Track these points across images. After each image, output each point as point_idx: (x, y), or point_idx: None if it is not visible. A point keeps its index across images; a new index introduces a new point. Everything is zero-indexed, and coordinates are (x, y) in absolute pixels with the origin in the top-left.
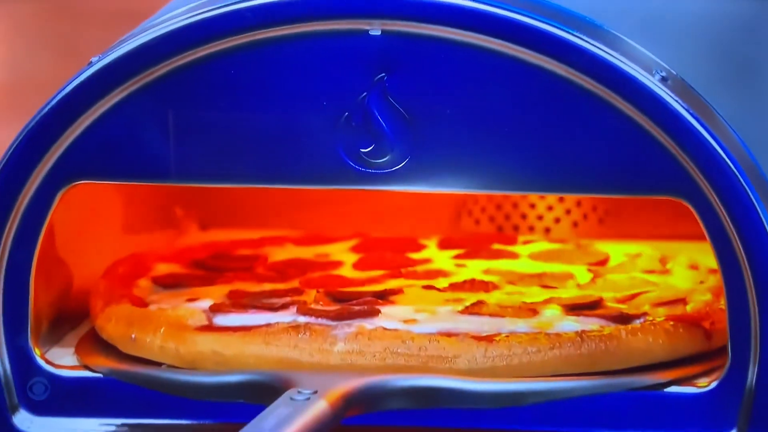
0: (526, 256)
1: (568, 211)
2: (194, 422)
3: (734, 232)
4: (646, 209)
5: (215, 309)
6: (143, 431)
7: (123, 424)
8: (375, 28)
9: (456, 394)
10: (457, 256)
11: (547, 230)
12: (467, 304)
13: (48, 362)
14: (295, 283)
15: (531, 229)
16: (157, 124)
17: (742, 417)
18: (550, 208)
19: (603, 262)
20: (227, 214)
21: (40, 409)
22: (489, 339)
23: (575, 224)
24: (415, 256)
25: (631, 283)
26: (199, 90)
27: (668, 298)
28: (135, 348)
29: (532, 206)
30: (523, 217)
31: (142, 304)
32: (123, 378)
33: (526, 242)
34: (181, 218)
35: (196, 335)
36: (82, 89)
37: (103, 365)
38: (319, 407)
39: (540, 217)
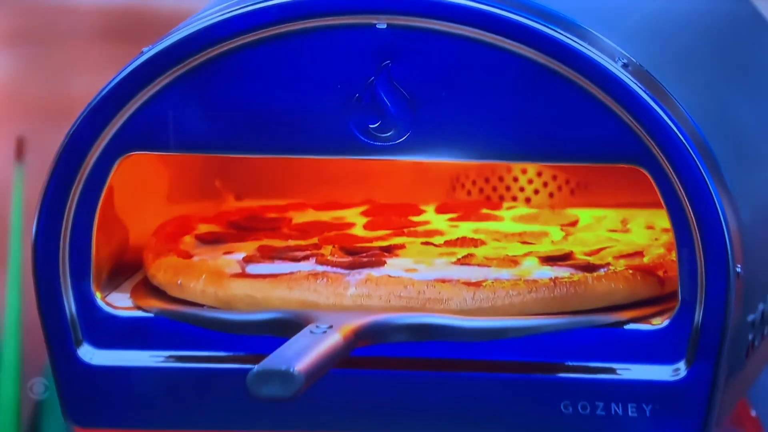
0: (509, 218)
1: (545, 184)
2: (229, 354)
3: (684, 196)
4: (611, 182)
5: (247, 260)
6: (186, 361)
7: (170, 356)
8: (381, 22)
9: (448, 329)
10: (451, 219)
11: (528, 200)
12: (459, 256)
13: (108, 304)
14: (314, 240)
15: (514, 198)
16: (198, 104)
17: (689, 350)
18: (530, 181)
19: (573, 223)
20: (258, 187)
21: (101, 343)
22: (477, 284)
23: (551, 195)
24: (416, 219)
25: (597, 240)
26: (234, 75)
27: (628, 251)
28: (180, 292)
29: (515, 179)
30: (507, 188)
31: (187, 256)
32: (170, 317)
33: (509, 208)
34: (220, 190)
35: (231, 281)
36: (134, 74)
37: (153, 306)
38: (334, 339)
39: (522, 189)
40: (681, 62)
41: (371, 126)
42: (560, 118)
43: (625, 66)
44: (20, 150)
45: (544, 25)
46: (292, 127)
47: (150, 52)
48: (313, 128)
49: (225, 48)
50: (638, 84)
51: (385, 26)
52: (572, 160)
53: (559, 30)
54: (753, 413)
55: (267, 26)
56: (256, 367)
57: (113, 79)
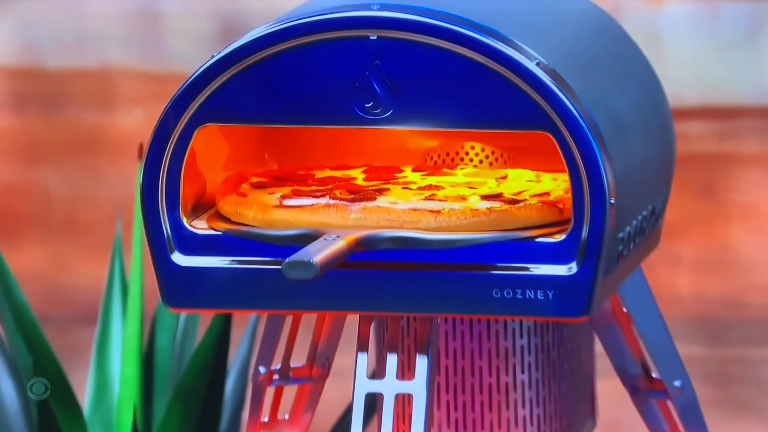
0: (461, 174)
1: (487, 156)
2: (271, 258)
3: (577, 153)
4: (529, 155)
5: (284, 197)
6: (243, 263)
7: (232, 260)
8: (373, 35)
9: (418, 241)
10: (422, 175)
11: (475, 166)
12: (426, 195)
13: (191, 226)
14: (329, 186)
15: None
16: (252, 90)
17: (579, 255)
18: (477, 154)
19: (504, 177)
20: (292, 156)
21: (186, 251)
22: (437, 212)
23: (491, 163)
24: (398, 174)
25: (519, 186)
26: (276, 70)
27: (539, 192)
28: (239, 218)
29: (467, 153)
30: (462, 159)
31: (243, 195)
32: (232, 234)
33: (461, 168)
34: (267, 160)
35: (273, 210)
36: (208, 70)
37: (221, 228)
38: (340, 244)
39: (471, 159)
40: (576, 63)
41: (366, 105)
42: (493, 100)
43: (538, 65)
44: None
45: (484, 37)
46: (315, 106)
47: (218, 55)
48: (329, 106)
49: (270, 52)
50: (548, 77)
51: (375, 38)
52: (503, 128)
53: (494, 40)
54: (624, 309)
55: (298, 36)
56: (288, 259)
57: (194, 72)
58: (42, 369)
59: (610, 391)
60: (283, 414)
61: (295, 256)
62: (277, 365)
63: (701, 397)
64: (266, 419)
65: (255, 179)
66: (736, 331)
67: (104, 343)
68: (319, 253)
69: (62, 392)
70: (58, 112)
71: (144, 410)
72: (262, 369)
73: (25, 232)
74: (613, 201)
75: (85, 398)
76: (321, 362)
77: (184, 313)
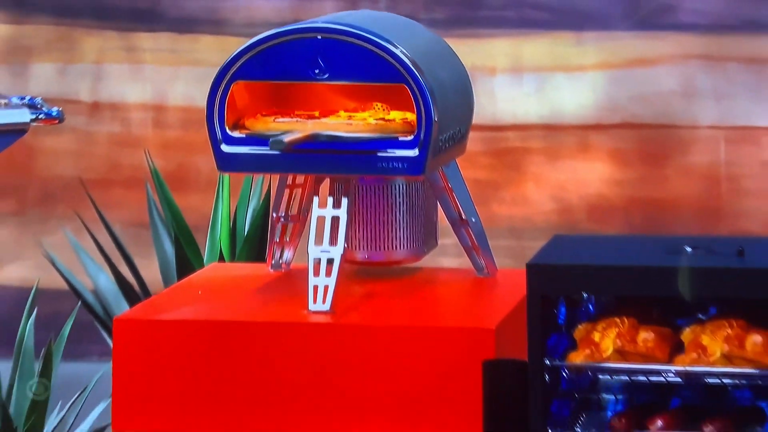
0: (366, 114)
1: (381, 108)
2: (270, 144)
3: (420, 99)
4: (398, 106)
5: (277, 118)
6: (257, 149)
7: (253, 148)
8: (319, 37)
9: (340, 137)
10: (347, 115)
11: (371, 116)
12: (345, 119)
13: (230, 132)
14: (299, 114)
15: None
16: (259, 64)
17: (419, 146)
18: (376, 107)
19: (387, 112)
20: (282, 104)
21: (229, 143)
22: (350, 124)
23: (383, 110)
24: (336, 114)
25: (393, 116)
26: (272, 53)
27: (401, 117)
28: (257, 128)
29: (373, 107)
30: (367, 111)
31: (258, 119)
32: (252, 135)
33: (366, 112)
34: (269, 105)
35: (272, 122)
36: (235, 54)
37: (246, 133)
38: (299, 135)
39: (373, 108)
40: (422, 53)
41: (316, 71)
42: (378, 69)
43: (402, 53)
44: None
45: (375, 37)
46: (292, 71)
47: (241, 47)
48: (298, 72)
49: (269, 44)
50: (407, 58)
51: (320, 37)
52: (383, 82)
53: (380, 38)
54: (449, 185)
55: (283, 36)
56: (273, 138)
57: (230, 55)
58: None
59: (443, 229)
60: (285, 238)
61: (277, 137)
62: (282, 212)
63: None
64: (277, 240)
65: (263, 113)
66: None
67: None
68: (288, 137)
69: None
70: None
71: None
72: (274, 214)
73: None
74: (436, 119)
75: None
76: (304, 212)
77: None
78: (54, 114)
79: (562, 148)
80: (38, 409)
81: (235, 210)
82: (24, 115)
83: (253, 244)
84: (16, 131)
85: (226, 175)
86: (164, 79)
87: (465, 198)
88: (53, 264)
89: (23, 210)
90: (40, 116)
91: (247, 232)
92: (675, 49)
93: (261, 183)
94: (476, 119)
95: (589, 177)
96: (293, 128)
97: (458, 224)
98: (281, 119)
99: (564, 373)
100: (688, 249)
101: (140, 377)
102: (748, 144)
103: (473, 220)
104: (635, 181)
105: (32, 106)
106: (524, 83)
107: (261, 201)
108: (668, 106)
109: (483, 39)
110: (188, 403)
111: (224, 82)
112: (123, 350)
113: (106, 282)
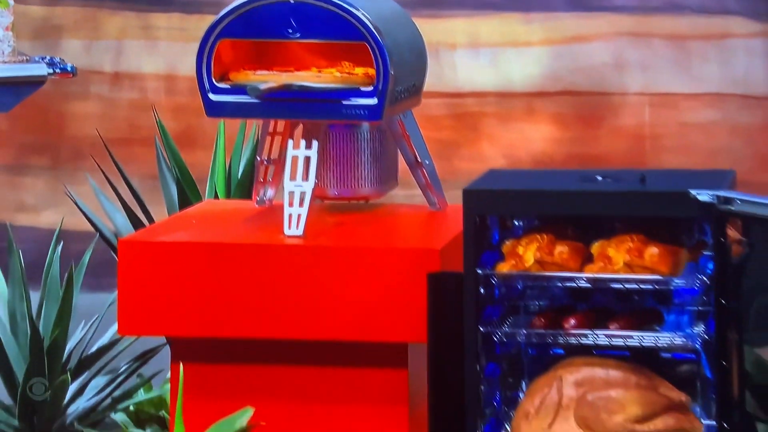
0: (334, 70)
1: (344, 65)
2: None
3: (379, 56)
4: (356, 63)
5: (257, 72)
6: (240, 98)
7: (238, 96)
8: (292, 1)
9: (310, 87)
10: (317, 72)
11: (340, 72)
12: (317, 72)
13: (216, 83)
14: (276, 69)
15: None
16: (240, 25)
17: (378, 95)
18: (344, 65)
19: (353, 68)
20: (261, 61)
21: (215, 92)
22: (319, 76)
23: (347, 72)
24: (309, 69)
25: (357, 71)
26: (251, 15)
27: (362, 72)
28: (239, 80)
29: (342, 65)
30: (335, 69)
31: (242, 72)
32: (235, 85)
33: (335, 69)
34: (251, 60)
35: (253, 75)
36: (222, 16)
37: (230, 83)
38: (274, 84)
39: (342, 65)
40: (382, 17)
41: (290, 30)
42: (345, 30)
43: (364, 16)
44: None
45: (342, 2)
46: (268, 30)
47: (225, 9)
48: (274, 31)
49: (250, 7)
50: (370, 21)
51: (293, 2)
52: (348, 41)
53: (346, 3)
54: (407, 132)
55: (258, 0)
56: (250, 85)
57: (216, 16)
58: None
59: (402, 170)
60: (268, 178)
61: (254, 86)
62: (265, 156)
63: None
64: (261, 180)
65: (246, 68)
66: None
67: None
68: (263, 86)
69: None
70: None
71: None
72: (258, 158)
73: None
74: (392, 73)
75: None
76: (284, 157)
77: None
78: (69, 69)
79: (512, 112)
80: (62, 325)
81: (230, 159)
82: (42, 69)
83: (244, 188)
84: (35, 82)
85: (222, 130)
86: (175, 53)
87: (420, 143)
88: (76, 204)
89: (56, 165)
90: (56, 70)
91: (240, 177)
92: (607, 27)
93: (253, 137)
94: (440, 87)
95: (534, 137)
96: (270, 80)
97: (414, 166)
98: (260, 72)
99: (493, 281)
100: (599, 178)
101: (140, 290)
102: (668, 108)
103: (427, 162)
104: (573, 140)
105: (51, 63)
106: (480, 57)
107: (252, 152)
108: (601, 76)
109: (444, 19)
110: (181, 311)
111: (211, 39)
112: (126, 267)
113: (122, 221)
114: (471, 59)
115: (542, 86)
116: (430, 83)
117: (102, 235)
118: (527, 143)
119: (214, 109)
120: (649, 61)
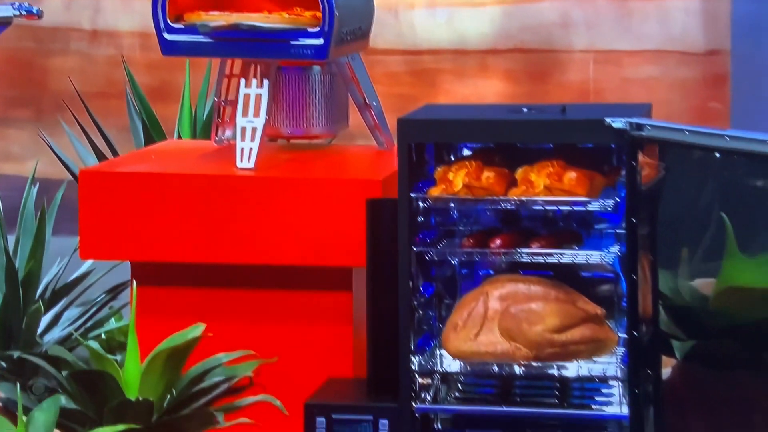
0: (283, 14)
1: (295, 11)
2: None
3: (328, 16)
4: (311, 10)
5: (209, 12)
6: (195, 38)
7: (192, 36)
8: None
9: (260, 27)
10: (267, 13)
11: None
12: (267, 15)
13: (172, 24)
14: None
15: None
16: None
17: (324, 36)
18: (294, 11)
19: (301, 13)
20: (221, 7)
21: (171, 32)
22: (269, 17)
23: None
24: (265, 13)
25: (305, 14)
26: None
27: (311, 15)
28: (193, 20)
29: (292, 10)
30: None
31: (198, 13)
32: (189, 24)
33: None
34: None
35: (208, 16)
36: None
37: (184, 23)
38: (224, 23)
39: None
40: None
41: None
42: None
43: None
44: None
45: None
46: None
47: None
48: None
49: None
50: None
51: None
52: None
53: None
54: (356, 75)
55: None
56: (199, 23)
57: None
58: None
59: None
60: (225, 118)
61: (205, 23)
62: (222, 97)
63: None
64: (219, 120)
65: (200, 10)
66: None
67: None
68: (213, 23)
69: None
70: None
71: None
72: (215, 99)
73: None
74: (337, 14)
75: None
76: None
77: None
78: (34, 11)
79: (467, 68)
80: (36, 258)
81: (196, 106)
82: (8, 11)
83: (208, 131)
84: (2, 23)
85: (188, 78)
86: (151, 11)
87: (368, 86)
88: (51, 149)
89: (39, 117)
90: (22, 12)
91: (204, 120)
92: None
93: (216, 86)
94: (399, 45)
95: (487, 92)
96: (220, 19)
97: (363, 107)
98: (213, 13)
99: (426, 204)
100: (525, 110)
101: (100, 217)
102: (611, 64)
103: (374, 104)
104: (524, 94)
105: (19, 7)
106: (437, 16)
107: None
108: (549, 34)
109: None
110: (139, 237)
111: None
112: (87, 196)
113: (93, 162)
114: (428, 18)
115: (495, 44)
116: (390, 41)
117: (75, 177)
118: (481, 98)
119: (169, 48)
120: (594, 20)
